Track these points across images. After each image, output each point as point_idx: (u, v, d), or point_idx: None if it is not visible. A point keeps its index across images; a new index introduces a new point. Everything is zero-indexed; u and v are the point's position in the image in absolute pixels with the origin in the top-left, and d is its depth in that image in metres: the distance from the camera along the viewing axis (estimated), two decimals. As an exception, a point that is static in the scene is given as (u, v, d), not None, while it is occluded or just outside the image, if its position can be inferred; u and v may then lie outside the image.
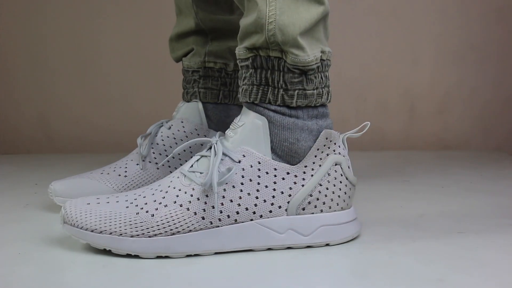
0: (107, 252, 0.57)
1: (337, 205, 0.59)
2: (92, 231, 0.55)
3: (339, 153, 0.59)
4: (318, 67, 0.59)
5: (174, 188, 0.57)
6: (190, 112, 0.79)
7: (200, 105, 0.79)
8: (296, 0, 0.57)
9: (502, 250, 0.58)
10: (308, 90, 0.59)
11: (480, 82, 1.34)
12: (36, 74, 1.35)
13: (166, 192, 0.57)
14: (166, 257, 0.56)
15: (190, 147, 0.75)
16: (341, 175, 0.60)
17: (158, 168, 0.76)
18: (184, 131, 0.78)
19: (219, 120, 0.79)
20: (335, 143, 0.59)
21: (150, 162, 0.76)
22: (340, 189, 0.59)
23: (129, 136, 1.09)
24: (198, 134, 0.78)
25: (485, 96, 1.34)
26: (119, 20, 1.32)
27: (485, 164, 1.12)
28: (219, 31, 0.80)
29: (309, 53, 0.58)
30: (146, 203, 0.56)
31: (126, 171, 0.75)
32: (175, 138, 0.77)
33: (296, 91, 0.58)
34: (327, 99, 0.61)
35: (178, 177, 0.58)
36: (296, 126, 0.58)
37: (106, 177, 0.74)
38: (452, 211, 0.73)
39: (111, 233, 0.55)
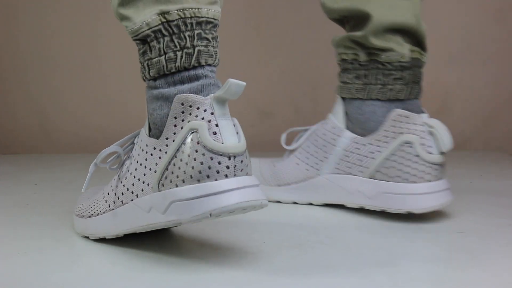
0: (107, 252, 0.57)
1: (191, 177, 0.50)
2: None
3: (202, 118, 0.50)
4: (158, 30, 0.53)
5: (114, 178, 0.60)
6: (336, 108, 0.75)
7: (339, 100, 0.75)
8: None
9: (502, 250, 0.58)
10: (153, 58, 0.53)
11: (480, 82, 1.34)
12: (36, 74, 1.35)
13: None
14: (166, 257, 0.56)
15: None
16: (197, 143, 0.50)
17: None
18: (324, 128, 0.75)
19: (355, 118, 0.73)
20: (197, 108, 0.51)
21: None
22: (195, 159, 0.50)
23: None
24: (333, 133, 0.74)
25: (485, 96, 1.34)
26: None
27: (485, 164, 1.12)
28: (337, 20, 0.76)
29: (136, 20, 0.53)
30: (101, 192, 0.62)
31: None
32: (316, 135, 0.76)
33: (146, 62, 0.54)
34: (192, 61, 0.53)
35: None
36: (152, 96, 0.54)
37: None
38: (452, 211, 0.73)
39: (74, 213, 0.64)
